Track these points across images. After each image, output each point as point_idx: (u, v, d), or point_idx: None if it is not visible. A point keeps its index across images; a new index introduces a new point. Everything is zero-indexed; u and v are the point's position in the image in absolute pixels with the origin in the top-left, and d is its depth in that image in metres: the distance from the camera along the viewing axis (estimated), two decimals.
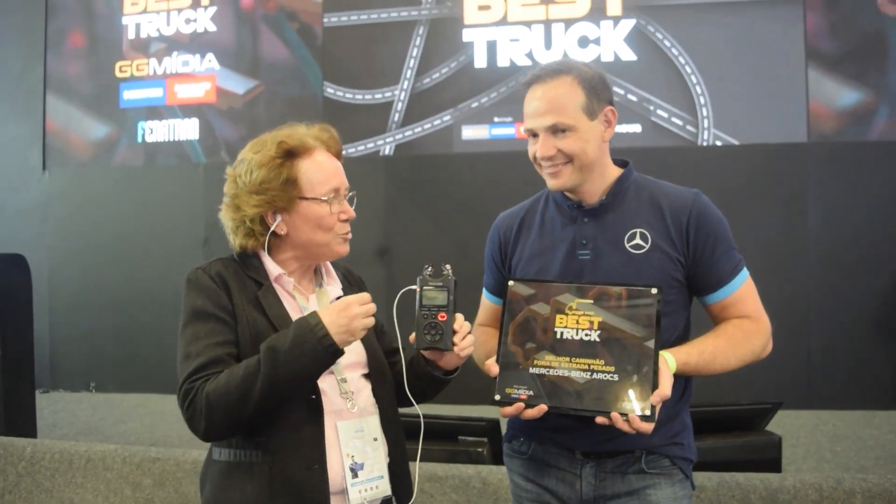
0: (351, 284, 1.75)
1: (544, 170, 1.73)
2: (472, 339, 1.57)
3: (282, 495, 1.45)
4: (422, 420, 1.58)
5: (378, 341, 1.71)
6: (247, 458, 1.48)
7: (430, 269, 1.56)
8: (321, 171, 1.57)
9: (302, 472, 1.46)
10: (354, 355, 1.60)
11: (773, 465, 3.00)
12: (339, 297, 1.66)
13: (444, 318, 1.52)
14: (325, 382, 1.52)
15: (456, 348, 1.53)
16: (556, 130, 1.69)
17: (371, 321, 1.45)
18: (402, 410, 1.69)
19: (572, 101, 1.69)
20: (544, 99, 1.70)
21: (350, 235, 1.63)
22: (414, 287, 1.55)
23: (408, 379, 1.60)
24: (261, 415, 1.42)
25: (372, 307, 1.45)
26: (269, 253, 1.59)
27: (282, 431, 1.46)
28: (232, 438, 1.50)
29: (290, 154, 1.56)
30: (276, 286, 1.58)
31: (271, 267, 1.58)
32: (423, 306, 1.54)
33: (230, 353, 1.47)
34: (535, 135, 1.73)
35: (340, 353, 1.43)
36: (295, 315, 1.56)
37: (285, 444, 1.46)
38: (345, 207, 1.60)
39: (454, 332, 1.54)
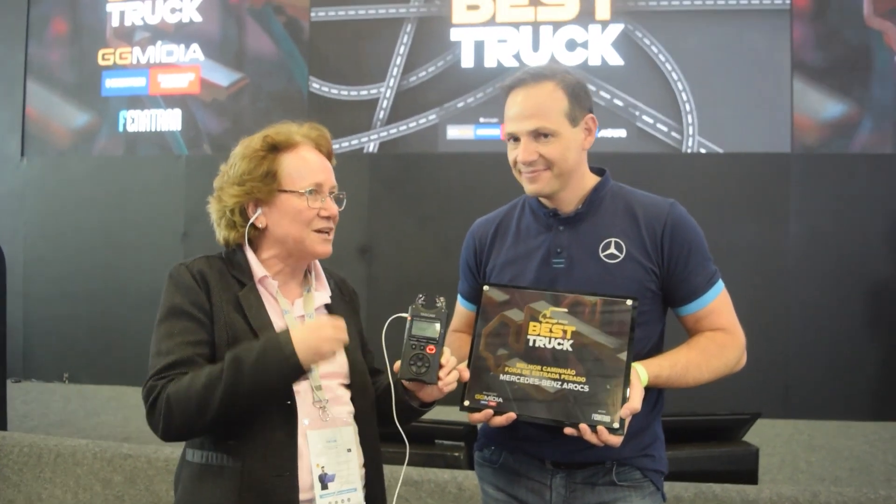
0: (343, 295, 1.72)
1: (523, 175, 1.72)
2: (456, 374, 1.54)
3: (250, 501, 1.42)
4: (407, 451, 1.56)
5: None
6: (217, 461, 1.45)
7: (423, 299, 1.53)
8: (304, 166, 1.56)
9: (272, 479, 1.43)
10: (334, 365, 1.56)
11: (750, 476, 3.00)
12: (326, 305, 1.65)
13: (433, 351, 1.49)
14: (300, 389, 1.49)
15: (440, 383, 1.50)
16: (539, 135, 1.67)
17: (339, 344, 1.47)
18: None
19: (555, 107, 1.67)
20: (527, 103, 1.69)
21: (332, 236, 1.60)
22: (404, 315, 1.52)
23: (387, 405, 1.57)
24: (220, 423, 1.41)
25: (344, 335, 1.46)
26: (254, 250, 1.58)
27: (253, 436, 1.44)
28: (204, 440, 1.47)
29: (274, 148, 1.56)
30: (260, 288, 1.55)
31: (256, 268, 1.56)
32: (412, 336, 1.50)
33: (201, 353, 1.46)
34: (515, 139, 1.71)
35: (304, 371, 1.44)
36: (276, 319, 1.53)
37: (256, 449, 1.44)
38: (326, 204, 1.57)
39: (440, 367, 1.50)
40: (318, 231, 1.57)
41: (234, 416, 1.41)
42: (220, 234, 1.60)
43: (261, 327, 1.49)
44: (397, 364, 1.51)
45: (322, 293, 1.65)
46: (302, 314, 1.58)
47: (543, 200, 1.76)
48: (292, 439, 1.46)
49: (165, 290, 1.52)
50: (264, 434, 1.44)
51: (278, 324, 1.53)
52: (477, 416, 1.57)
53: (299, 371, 1.42)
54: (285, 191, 1.54)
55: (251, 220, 1.55)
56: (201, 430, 1.44)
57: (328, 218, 1.58)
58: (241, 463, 1.43)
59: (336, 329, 1.45)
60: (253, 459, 1.43)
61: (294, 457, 1.46)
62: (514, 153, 1.71)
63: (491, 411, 1.55)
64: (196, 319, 1.47)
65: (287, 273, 1.60)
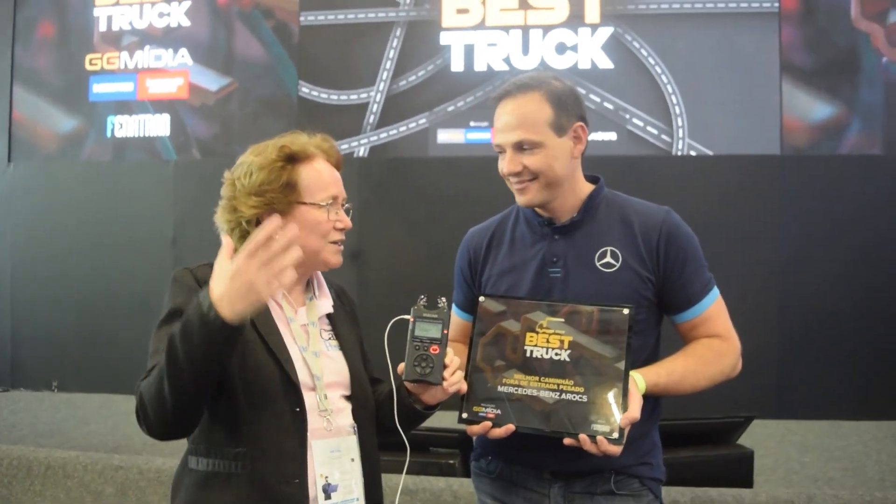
0: (343, 304, 1.72)
1: (513, 185, 1.72)
2: (461, 374, 1.54)
3: None
4: (407, 459, 1.54)
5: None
6: (225, 468, 1.43)
7: (424, 300, 1.53)
8: (321, 178, 1.57)
9: (281, 486, 1.41)
10: (336, 375, 1.56)
11: (746, 479, 3.00)
12: (328, 315, 1.64)
13: (437, 352, 1.49)
14: (306, 399, 1.48)
15: (445, 383, 1.50)
16: (522, 147, 1.67)
17: (288, 262, 1.23)
18: None
19: (540, 118, 1.67)
20: (511, 115, 1.69)
21: (343, 246, 1.61)
22: (407, 316, 1.52)
23: (389, 411, 1.56)
24: (187, 411, 1.34)
25: (274, 245, 1.22)
26: None
27: (262, 443, 1.42)
28: (210, 447, 1.44)
29: (292, 159, 1.55)
30: None
31: None
32: (415, 338, 1.50)
33: None
34: (502, 150, 1.71)
35: (235, 328, 1.25)
36: (282, 326, 1.53)
37: (266, 456, 1.42)
38: (341, 216, 1.60)
39: (444, 367, 1.50)
40: (332, 242, 1.58)
41: (191, 398, 1.32)
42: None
43: (268, 333, 1.48)
44: (400, 367, 1.51)
45: (325, 301, 1.65)
46: (305, 322, 1.57)
47: (538, 209, 1.75)
48: (303, 446, 1.45)
49: (168, 292, 1.49)
50: (274, 441, 1.43)
51: (283, 331, 1.52)
52: (475, 428, 1.56)
53: (224, 325, 1.23)
54: (304, 203, 1.54)
55: None
56: (174, 422, 1.35)
57: (342, 230, 1.60)
58: (250, 470, 1.41)
59: (260, 252, 1.22)
60: (262, 466, 1.41)
61: (304, 464, 1.45)
62: (503, 164, 1.72)
63: (490, 423, 1.54)
64: None
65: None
